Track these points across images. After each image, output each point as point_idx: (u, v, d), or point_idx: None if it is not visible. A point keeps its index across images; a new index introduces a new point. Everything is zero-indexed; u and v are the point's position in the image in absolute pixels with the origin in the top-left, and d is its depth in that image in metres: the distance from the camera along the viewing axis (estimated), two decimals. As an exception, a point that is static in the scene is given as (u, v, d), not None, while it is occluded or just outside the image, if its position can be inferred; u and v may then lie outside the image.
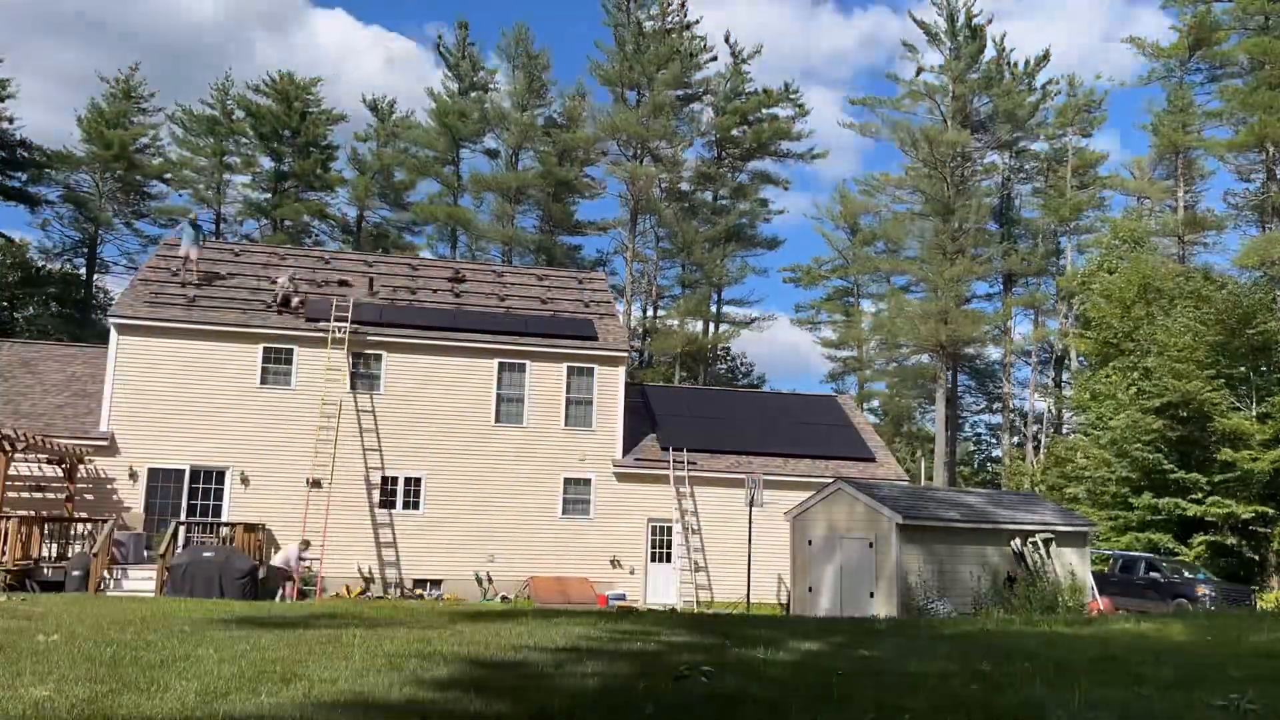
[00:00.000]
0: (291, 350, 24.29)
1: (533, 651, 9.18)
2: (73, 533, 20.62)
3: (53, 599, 15.85)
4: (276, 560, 21.23)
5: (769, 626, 12.96)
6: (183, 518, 22.15)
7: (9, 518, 18.93)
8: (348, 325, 24.44)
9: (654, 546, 25.56)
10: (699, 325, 53.30)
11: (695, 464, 25.92)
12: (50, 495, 22.11)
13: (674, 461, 25.67)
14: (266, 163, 52.53)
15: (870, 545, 20.35)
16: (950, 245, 48.00)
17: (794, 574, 22.94)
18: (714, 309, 54.12)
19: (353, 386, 24.58)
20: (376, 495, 24.19)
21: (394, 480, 24.37)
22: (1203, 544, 30.12)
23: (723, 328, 54.30)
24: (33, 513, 20.43)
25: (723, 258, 52.15)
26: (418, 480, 24.46)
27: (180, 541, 20.61)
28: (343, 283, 27.23)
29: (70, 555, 20.02)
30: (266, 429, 23.55)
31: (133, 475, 22.82)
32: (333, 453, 23.39)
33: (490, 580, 23.99)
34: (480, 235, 50.98)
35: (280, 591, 20.11)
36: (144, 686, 6.99)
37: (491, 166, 52.33)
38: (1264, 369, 33.00)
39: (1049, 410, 53.08)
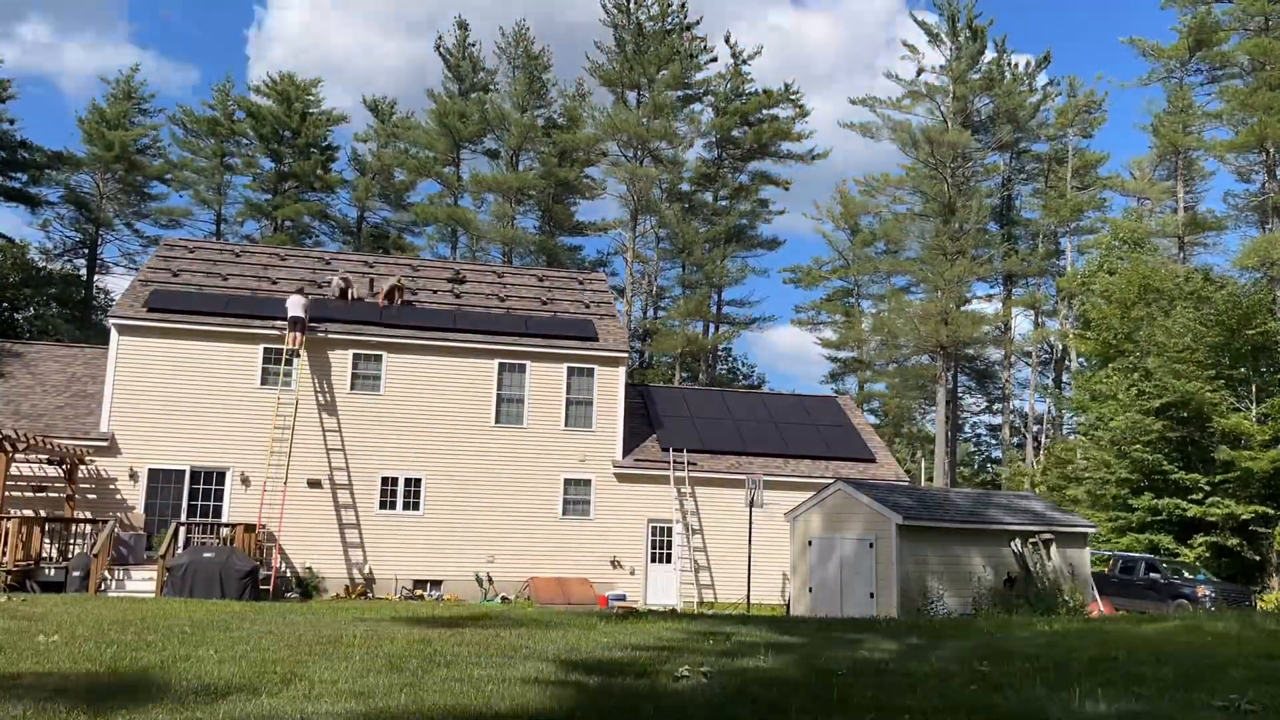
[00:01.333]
0: (292, 350, 24.26)
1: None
2: (73, 533, 20.62)
3: (53, 599, 15.86)
4: None
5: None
6: (183, 518, 22.16)
7: (10, 518, 18.93)
8: (345, 325, 24.48)
9: (654, 547, 25.55)
10: (699, 326, 53.27)
11: (695, 465, 25.92)
12: (51, 496, 22.11)
13: (674, 462, 25.66)
14: (267, 164, 52.54)
15: (870, 546, 20.35)
16: (950, 246, 47.97)
17: (794, 574, 22.94)
18: (714, 309, 54.11)
19: (353, 387, 24.59)
20: (376, 496, 24.18)
21: (394, 481, 24.36)
22: (1203, 545, 30.09)
23: (723, 328, 54.28)
24: (33, 513, 20.44)
25: (723, 258, 52.11)
26: (418, 481, 24.46)
27: (180, 542, 20.61)
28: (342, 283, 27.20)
29: (71, 556, 20.02)
30: (266, 429, 23.55)
31: (133, 476, 22.82)
32: (334, 455, 23.41)
33: (490, 581, 23.98)
34: (480, 236, 50.93)
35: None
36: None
37: (492, 167, 52.28)
38: (1264, 369, 32.98)
39: (1049, 411, 53.08)
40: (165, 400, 23.32)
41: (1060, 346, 51.74)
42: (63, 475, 22.14)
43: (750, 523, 23.59)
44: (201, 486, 23.24)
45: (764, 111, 53.47)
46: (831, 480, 23.21)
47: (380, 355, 24.87)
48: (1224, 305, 32.25)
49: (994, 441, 61.42)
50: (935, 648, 10.67)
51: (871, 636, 11.95)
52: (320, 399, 24.26)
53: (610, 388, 25.91)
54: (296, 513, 22.97)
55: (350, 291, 26.15)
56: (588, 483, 25.33)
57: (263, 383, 24.00)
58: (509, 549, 24.36)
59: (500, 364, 25.42)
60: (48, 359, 26.19)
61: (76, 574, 19.00)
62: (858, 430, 29.31)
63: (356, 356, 24.73)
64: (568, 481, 25.23)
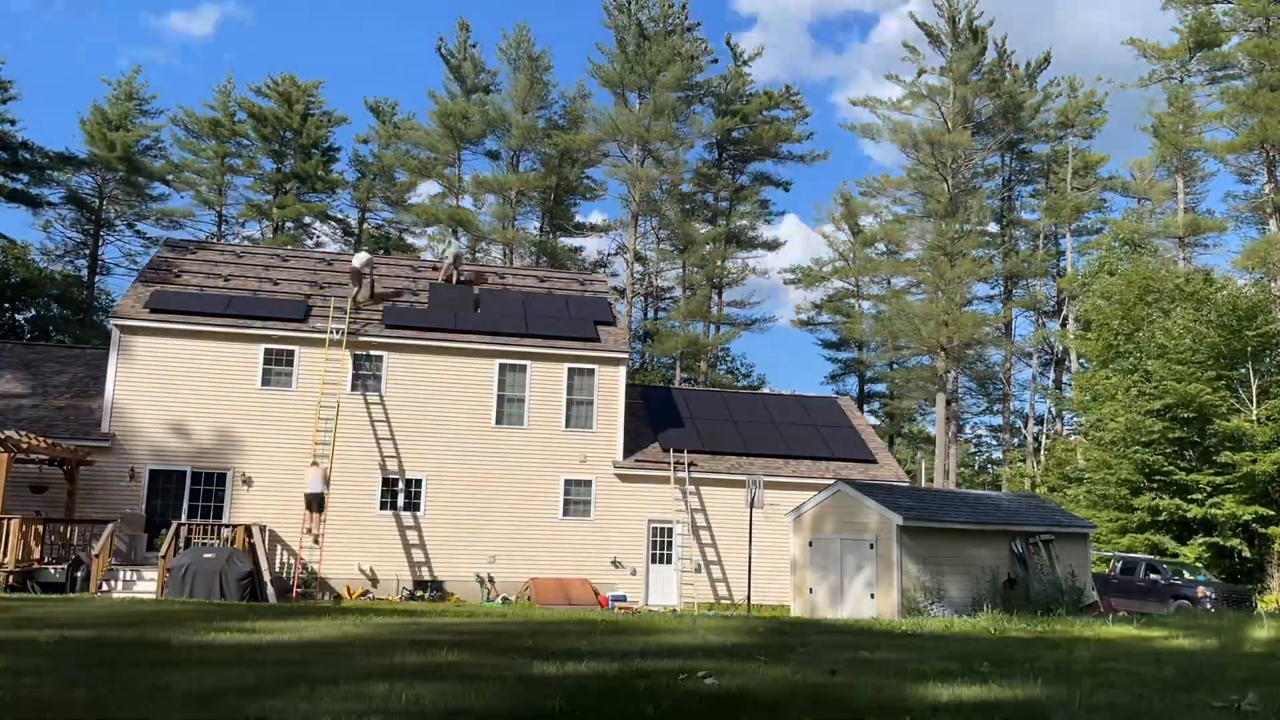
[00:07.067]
0: (293, 351, 24.30)
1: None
2: (74, 534, 20.63)
3: (54, 600, 15.88)
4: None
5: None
6: (184, 518, 22.16)
7: (11, 518, 18.95)
8: (345, 326, 24.52)
9: (655, 548, 25.55)
10: (699, 326, 53.28)
11: (696, 465, 25.93)
12: (52, 496, 22.11)
13: (675, 463, 25.67)
14: (268, 164, 52.54)
15: (871, 546, 20.36)
16: (951, 247, 47.98)
17: (795, 575, 22.94)
18: (714, 310, 54.10)
19: (354, 388, 24.59)
20: (377, 497, 24.20)
21: (395, 482, 24.37)
22: (1204, 545, 30.11)
23: (723, 329, 54.28)
24: (34, 514, 20.45)
25: (723, 259, 52.12)
26: (419, 481, 24.46)
27: (181, 542, 20.63)
28: (343, 284, 27.21)
29: (71, 556, 20.04)
30: (268, 430, 23.56)
31: (134, 476, 22.84)
32: (332, 454, 23.42)
33: (491, 581, 23.99)
34: (481, 237, 50.94)
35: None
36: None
37: (493, 168, 52.33)
38: (1264, 370, 32.98)
39: (1049, 411, 53.08)
40: (166, 401, 23.34)
41: (1061, 347, 51.74)
42: (64, 476, 22.15)
43: (751, 523, 23.60)
44: (202, 487, 23.26)
45: (765, 113, 53.50)
46: (832, 481, 23.21)
47: (381, 356, 24.88)
48: (1224, 306, 32.27)
49: (994, 442, 61.43)
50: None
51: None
52: (321, 400, 24.26)
53: (611, 388, 25.92)
54: (297, 514, 22.98)
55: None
56: (588, 483, 25.34)
57: (264, 383, 24.02)
58: (510, 549, 24.36)
59: (501, 364, 25.44)
60: (49, 360, 26.21)
61: (77, 575, 19.02)
62: (858, 431, 29.31)
63: (357, 357, 24.74)
64: (568, 482, 25.24)
